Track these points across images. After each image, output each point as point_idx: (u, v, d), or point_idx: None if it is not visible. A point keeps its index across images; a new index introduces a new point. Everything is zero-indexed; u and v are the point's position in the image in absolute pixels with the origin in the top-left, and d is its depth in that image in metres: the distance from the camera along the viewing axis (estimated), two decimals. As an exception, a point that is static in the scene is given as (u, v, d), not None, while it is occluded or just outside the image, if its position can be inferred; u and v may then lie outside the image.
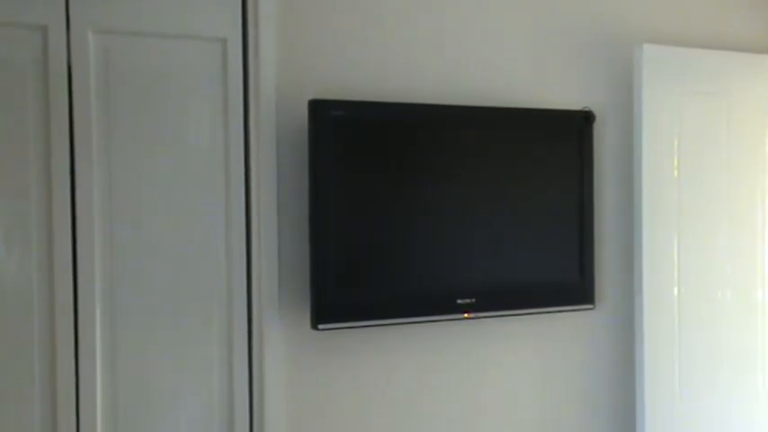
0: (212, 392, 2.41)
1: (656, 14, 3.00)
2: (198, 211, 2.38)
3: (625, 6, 2.96)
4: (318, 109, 2.39)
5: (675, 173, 2.89)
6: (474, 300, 2.58)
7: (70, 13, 2.23)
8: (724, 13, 3.12)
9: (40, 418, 2.22)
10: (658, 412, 2.83)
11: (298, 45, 2.48)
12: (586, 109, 2.81)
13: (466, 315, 2.58)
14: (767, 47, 3.17)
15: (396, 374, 2.63)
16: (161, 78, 2.34)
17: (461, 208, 2.60)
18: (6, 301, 2.19)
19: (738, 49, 3.08)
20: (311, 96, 2.42)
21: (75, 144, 2.24)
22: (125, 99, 2.30)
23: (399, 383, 2.63)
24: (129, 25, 2.30)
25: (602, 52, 2.92)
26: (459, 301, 2.56)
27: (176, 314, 2.36)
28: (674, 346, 2.87)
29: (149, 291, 2.33)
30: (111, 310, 2.28)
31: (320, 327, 2.39)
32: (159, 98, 2.33)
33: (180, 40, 2.36)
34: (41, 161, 2.21)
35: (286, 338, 2.47)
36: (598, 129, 2.85)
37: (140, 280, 2.32)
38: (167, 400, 2.36)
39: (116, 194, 2.29)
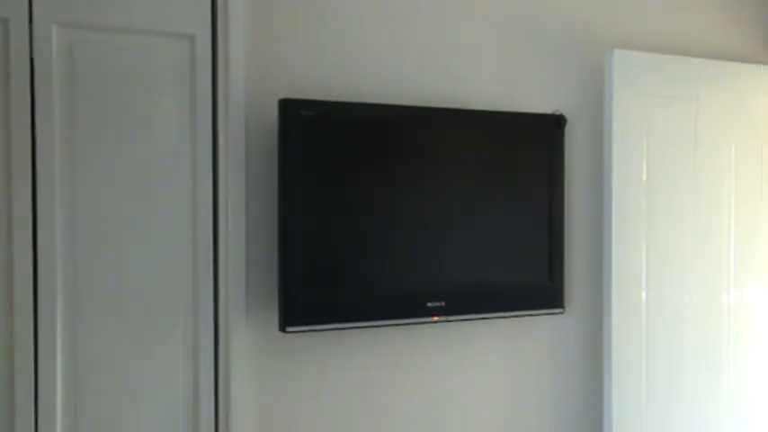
0: (177, 395, 2.36)
1: (627, 20, 3.02)
2: (163, 209, 2.33)
3: (597, 11, 2.97)
4: (289, 108, 2.35)
5: (644, 177, 2.91)
6: (443, 303, 2.56)
7: (33, 6, 2.17)
8: (694, 21, 3.15)
9: (-2, 423, 2.17)
10: (626, 414, 2.85)
11: (268, 43, 2.45)
12: (558, 112, 2.81)
13: (435, 318, 2.56)
14: (734, 54, 3.21)
15: (365, 378, 2.60)
16: (127, 75, 2.28)
17: (431, 210, 2.58)
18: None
19: (707, 56, 3.12)
20: (282, 95, 2.39)
21: (37, 140, 2.18)
22: (89, 95, 2.24)
23: (368, 387, 2.61)
24: (95, 19, 2.24)
25: (573, 56, 2.93)
26: (428, 304, 2.54)
27: (140, 315, 2.31)
28: (642, 349, 2.89)
29: (112, 291, 2.27)
30: (73, 310, 2.23)
31: (288, 329, 2.36)
32: (124, 95, 2.28)
33: (146, 36, 2.31)
34: (1, 160, 2.14)
35: (253, 341, 2.43)
36: (569, 132, 2.85)
37: (103, 279, 2.26)
38: (130, 404, 2.31)
39: (79, 192, 2.23)
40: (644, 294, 2.90)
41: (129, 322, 2.30)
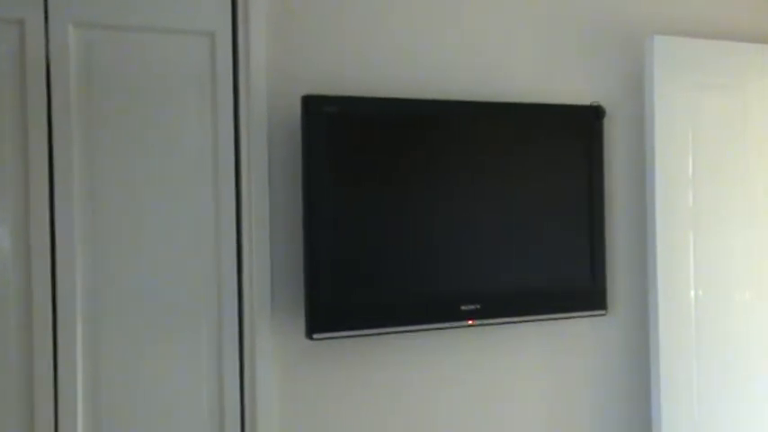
0: (201, 404, 2.29)
1: (668, 4, 2.89)
2: (186, 212, 2.27)
3: (635, -4, 2.85)
4: (312, 105, 2.27)
5: (690, 170, 2.78)
6: (479, 306, 2.45)
7: (49, 6, 2.13)
8: (740, 3, 3.01)
9: (17, 427, 2.11)
10: (675, 422, 2.72)
11: (290, 38, 2.38)
12: (596, 104, 2.69)
13: (470, 322, 2.45)
14: (785, 37, 3.06)
15: (394, 384, 2.51)
16: (146, 74, 2.23)
17: (464, 209, 2.47)
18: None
19: (754, 40, 2.97)
20: (304, 92, 2.32)
21: (54, 144, 2.14)
22: (107, 96, 2.19)
23: (398, 393, 2.52)
24: (112, 19, 2.20)
25: (612, 44, 2.81)
26: (462, 308, 2.44)
27: (163, 322, 2.25)
28: (692, 351, 2.75)
29: (134, 297, 2.22)
30: (94, 317, 2.18)
31: (315, 336, 2.27)
32: (144, 95, 2.23)
33: (166, 35, 2.26)
34: (19, 163, 2.10)
35: (279, 348, 2.36)
36: (609, 124, 2.74)
37: (124, 285, 2.21)
38: (153, 413, 2.24)
39: (98, 196, 2.18)
40: (693, 293, 2.77)
41: (152, 331, 2.24)
